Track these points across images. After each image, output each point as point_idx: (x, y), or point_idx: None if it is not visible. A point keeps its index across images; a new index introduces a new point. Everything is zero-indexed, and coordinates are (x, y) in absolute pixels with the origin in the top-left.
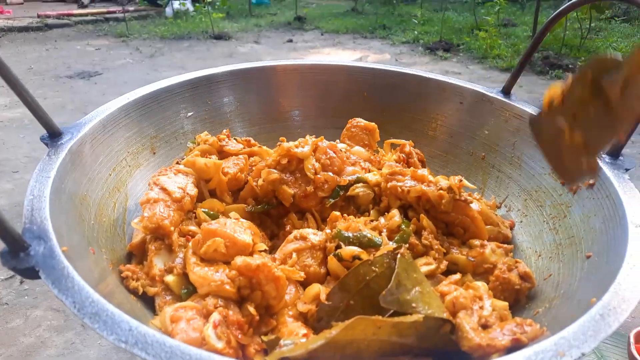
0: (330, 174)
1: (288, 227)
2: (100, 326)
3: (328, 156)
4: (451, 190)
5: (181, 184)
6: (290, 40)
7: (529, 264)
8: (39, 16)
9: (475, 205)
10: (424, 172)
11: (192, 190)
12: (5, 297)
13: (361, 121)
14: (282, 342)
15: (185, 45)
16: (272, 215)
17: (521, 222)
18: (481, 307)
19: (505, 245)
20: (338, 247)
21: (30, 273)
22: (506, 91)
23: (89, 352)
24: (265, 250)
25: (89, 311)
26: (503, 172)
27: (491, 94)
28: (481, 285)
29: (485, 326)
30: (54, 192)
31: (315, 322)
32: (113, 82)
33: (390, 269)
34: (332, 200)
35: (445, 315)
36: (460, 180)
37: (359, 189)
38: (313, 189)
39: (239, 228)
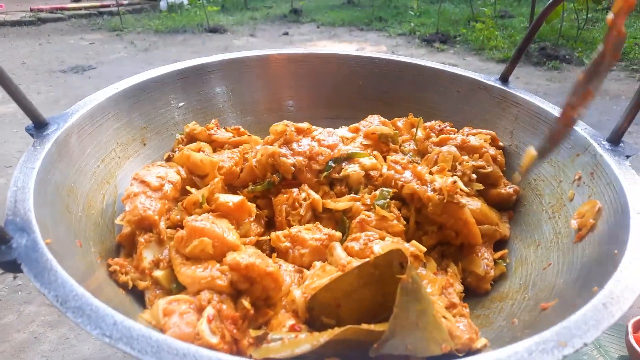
0: (325, 148)
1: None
2: (83, 320)
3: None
4: (441, 193)
5: (160, 173)
6: (286, 33)
7: (528, 253)
8: (31, 10)
9: (474, 204)
10: (423, 169)
11: (174, 178)
12: None
13: (375, 130)
14: (270, 336)
15: (180, 39)
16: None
17: (520, 211)
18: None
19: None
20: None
21: (12, 266)
22: (504, 79)
23: (83, 347)
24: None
25: (72, 305)
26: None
27: (488, 82)
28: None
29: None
30: (39, 184)
31: (305, 311)
32: (107, 76)
33: (392, 278)
34: (325, 173)
35: (443, 347)
36: (455, 182)
37: (350, 169)
38: (308, 160)
39: (224, 226)
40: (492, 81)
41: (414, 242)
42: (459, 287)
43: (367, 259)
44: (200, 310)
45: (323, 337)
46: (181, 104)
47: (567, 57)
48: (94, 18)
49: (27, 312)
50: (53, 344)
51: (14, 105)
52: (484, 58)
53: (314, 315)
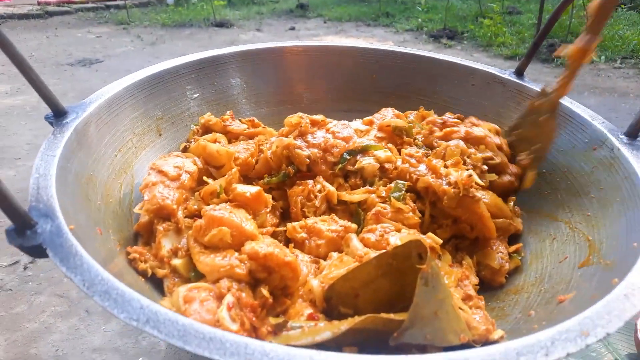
0: (339, 141)
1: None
2: (110, 304)
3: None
4: (456, 186)
5: (178, 163)
6: (293, 28)
7: (543, 247)
8: (39, 3)
9: (488, 197)
10: (438, 162)
11: (191, 168)
12: (8, 283)
13: (390, 123)
14: (289, 324)
15: (186, 33)
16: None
17: (534, 205)
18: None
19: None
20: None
21: (38, 251)
22: (519, 72)
23: (93, 337)
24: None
25: (99, 289)
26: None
27: (504, 76)
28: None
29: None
30: (60, 171)
31: (323, 300)
32: (114, 69)
33: (410, 269)
34: (340, 165)
35: (461, 337)
36: (470, 176)
37: (365, 162)
38: (322, 152)
39: (242, 215)
40: (507, 75)
41: (430, 234)
42: (475, 280)
43: (385, 250)
44: (219, 297)
45: (344, 325)
46: (196, 95)
47: None
48: (101, 11)
49: (37, 302)
50: (64, 334)
51: (22, 97)
52: (492, 54)
53: (331, 305)
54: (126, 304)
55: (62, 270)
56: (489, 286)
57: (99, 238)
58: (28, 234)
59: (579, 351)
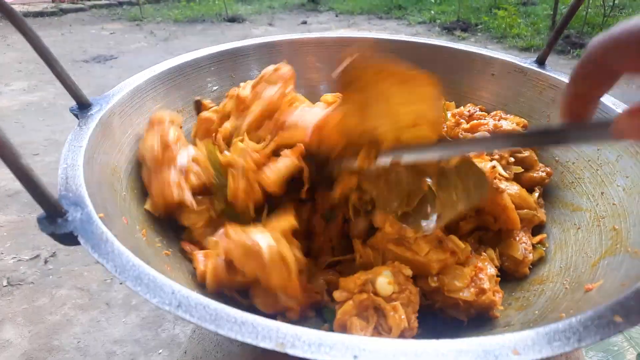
0: None
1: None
2: (142, 289)
3: None
4: None
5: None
6: (305, 22)
7: (567, 237)
8: (53, 1)
9: (512, 188)
10: None
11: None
12: (30, 276)
13: None
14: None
15: (199, 28)
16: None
17: (558, 195)
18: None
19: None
20: None
21: (69, 238)
22: (540, 61)
23: (113, 330)
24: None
25: (131, 274)
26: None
27: (524, 65)
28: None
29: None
30: (87, 162)
31: None
32: (129, 65)
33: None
34: None
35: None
36: (494, 167)
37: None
38: None
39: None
40: (529, 64)
41: (452, 237)
42: (492, 271)
43: None
44: None
45: None
46: (215, 88)
47: None
48: (114, 8)
49: (58, 295)
50: (85, 327)
51: (39, 94)
52: (507, 46)
53: None
54: (158, 289)
55: (94, 256)
56: (513, 277)
57: (126, 227)
58: (59, 222)
59: (611, 336)
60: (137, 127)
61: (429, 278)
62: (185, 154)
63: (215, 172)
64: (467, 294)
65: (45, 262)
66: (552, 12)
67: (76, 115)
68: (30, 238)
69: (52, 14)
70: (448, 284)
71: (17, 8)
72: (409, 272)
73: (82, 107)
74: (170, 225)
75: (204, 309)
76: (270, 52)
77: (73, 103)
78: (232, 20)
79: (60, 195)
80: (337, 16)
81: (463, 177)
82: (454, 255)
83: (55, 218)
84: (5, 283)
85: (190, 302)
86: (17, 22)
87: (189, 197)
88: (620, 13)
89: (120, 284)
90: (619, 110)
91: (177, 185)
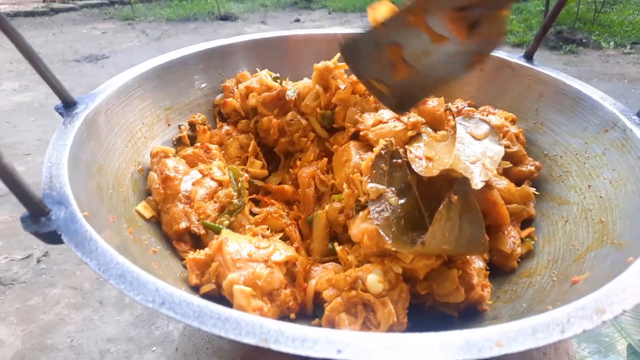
0: None
1: None
2: (126, 287)
3: None
4: None
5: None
6: (298, 20)
7: (555, 229)
8: (44, 1)
9: (501, 183)
10: None
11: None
12: (23, 276)
13: None
14: None
15: (191, 27)
16: None
17: (546, 188)
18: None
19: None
20: None
21: (52, 237)
22: (528, 56)
23: (107, 328)
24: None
25: (115, 273)
26: (526, 140)
27: (512, 60)
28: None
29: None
30: (72, 160)
31: None
32: (120, 65)
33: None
34: None
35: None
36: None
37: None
38: None
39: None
40: (517, 59)
41: None
42: (481, 264)
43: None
44: None
45: None
46: (203, 85)
47: (584, 40)
48: (106, 7)
49: (51, 294)
50: (78, 325)
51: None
52: None
53: None
54: (142, 287)
55: (78, 254)
56: (501, 271)
57: (112, 225)
58: (43, 221)
59: (594, 328)
60: (124, 125)
61: (417, 285)
62: (189, 180)
63: (237, 195)
64: (457, 297)
65: (38, 261)
66: (544, 9)
67: (61, 114)
68: (23, 238)
69: (43, 13)
70: (437, 289)
71: (7, 8)
72: (399, 269)
73: (68, 105)
74: (158, 224)
75: (188, 305)
76: (258, 50)
77: None
78: (225, 18)
79: (43, 194)
80: (329, 14)
81: (462, 222)
82: (439, 259)
83: (39, 217)
84: None
85: (174, 299)
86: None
87: (194, 224)
88: (612, 9)
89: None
90: (607, 104)
91: (184, 216)
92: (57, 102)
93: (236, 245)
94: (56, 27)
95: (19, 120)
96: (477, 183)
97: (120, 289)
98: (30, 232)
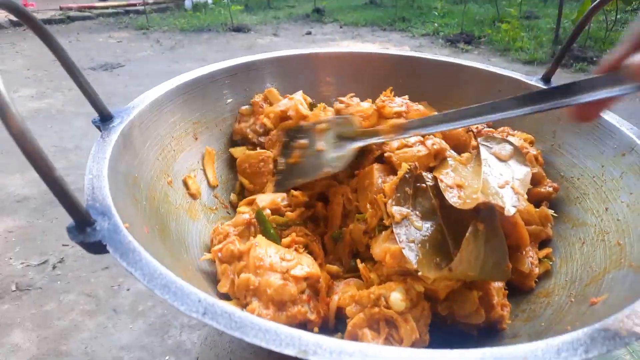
0: None
1: None
2: (170, 297)
3: None
4: None
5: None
6: (309, 33)
7: (573, 251)
8: (61, 9)
9: (521, 204)
10: None
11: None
12: (38, 281)
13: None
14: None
15: (204, 37)
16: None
17: (563, 210)
18: None
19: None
20: None
21: (98, 247)
22: (546, 79)
23: (121, 335)
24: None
25: (159, 283)
26: (544, 161)
27: (530, 82)
28: None
29: None
30: (111, 172)
31: None
32: (135, 74)
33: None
34: None
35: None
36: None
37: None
38: None
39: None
40: (534, 81)
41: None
42: (499, 284)
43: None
44: None
45: None
46: (229, 101)
47: (594, 59)
48: (121, 17)
49: (66, 300)
50: (92, 332)
51: (47, 101)
52: (510, 59)
53: None
54: (185, 297)
55: (123, 264)
56: (519, 290)
57: (147, 236)
58: (88, 231)
59: (616, 348)
60: (156, 138)
61: (438, 305)
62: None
63: None
64: (478, 318)
65: (54, 267)
66: (554, 26)
67: (98, 127)
68: (39, 244)
69: (60, 21)
70: (458, 310)
71: None
72: (421, 288)
73: (104, 119)
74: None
75: (230, 317)
76: (283, 67)
77: (82, 110)
78: (238, 30)
79: (87, 205)
80: (341, 27)
81: (487, 249)
82: (460, 280)
83: (85, 227)
84: (13, 288)
85: (216, 310)
86: (42, 32)
87: None
88: (622, 28)
89: (127, 289)
90: (624, 129)
91: None
92: (73, 108)
93: (263, 251)
94: (72, 35)
95: (36, 127)
96: (509, 210)
97: (165, 299)
98: (77, 241)
